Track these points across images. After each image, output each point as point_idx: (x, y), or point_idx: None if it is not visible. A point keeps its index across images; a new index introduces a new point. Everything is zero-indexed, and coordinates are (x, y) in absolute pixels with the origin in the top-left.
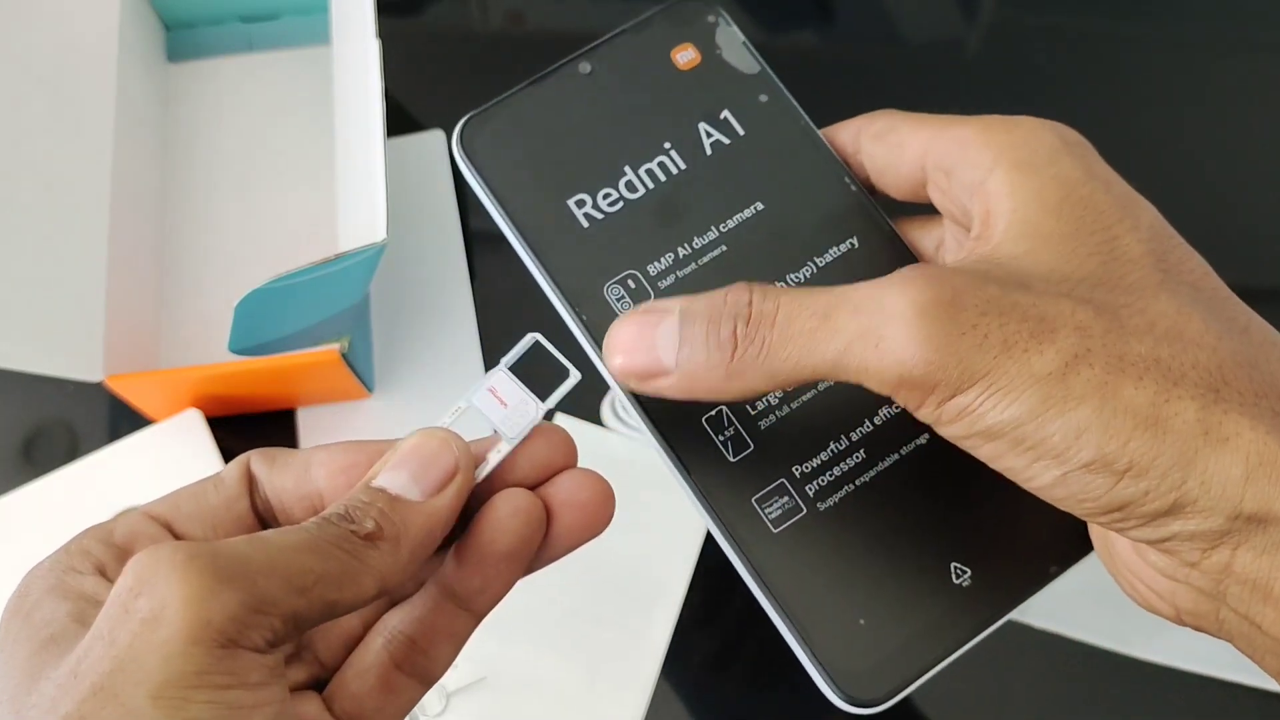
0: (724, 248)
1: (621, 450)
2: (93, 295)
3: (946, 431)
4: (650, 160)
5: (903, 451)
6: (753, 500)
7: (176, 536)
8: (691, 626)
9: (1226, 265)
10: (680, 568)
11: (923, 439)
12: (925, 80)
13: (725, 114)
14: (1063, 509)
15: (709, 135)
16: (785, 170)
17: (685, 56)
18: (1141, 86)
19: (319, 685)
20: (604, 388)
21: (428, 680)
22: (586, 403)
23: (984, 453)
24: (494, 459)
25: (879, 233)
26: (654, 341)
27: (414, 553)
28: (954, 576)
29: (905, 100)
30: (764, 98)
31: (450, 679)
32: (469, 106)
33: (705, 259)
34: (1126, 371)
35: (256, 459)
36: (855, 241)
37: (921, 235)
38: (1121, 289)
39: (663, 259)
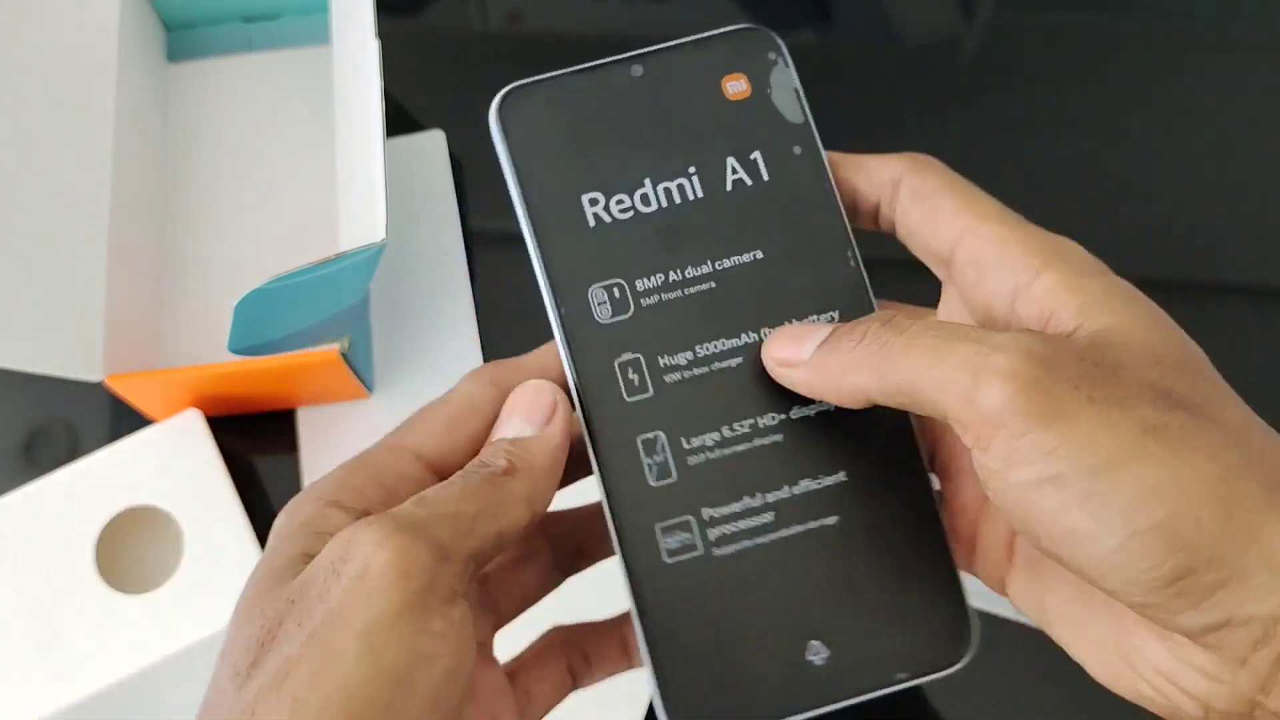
0: (712, 284)
1: None
2: (93, 295)
3: (1017, 476)
4: (671, 179)
5: (809, 526)
6: (657, 526)
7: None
8: None
9: (1225, 264)
10: None
11: (832, 519)
12: (923, 80)
13: (756, 155)
14: (1114, 585)
15: (734, 171)
16: (795, 227)
17: (735, 87)
18: (1139, 87)
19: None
20: None
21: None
22: None
23: (1050, 504)
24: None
25: (863, 313)
26: (804, 336)
27: (546, 476)
28: (810, 653)
29: (904, 100)
30: (798, 150)
31: None
32: (469, 106)
33: (692, 290)
34: (1200, 449)
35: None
36: (837, 316)
37: None
38: (1204, 378)
39: (653, 278)
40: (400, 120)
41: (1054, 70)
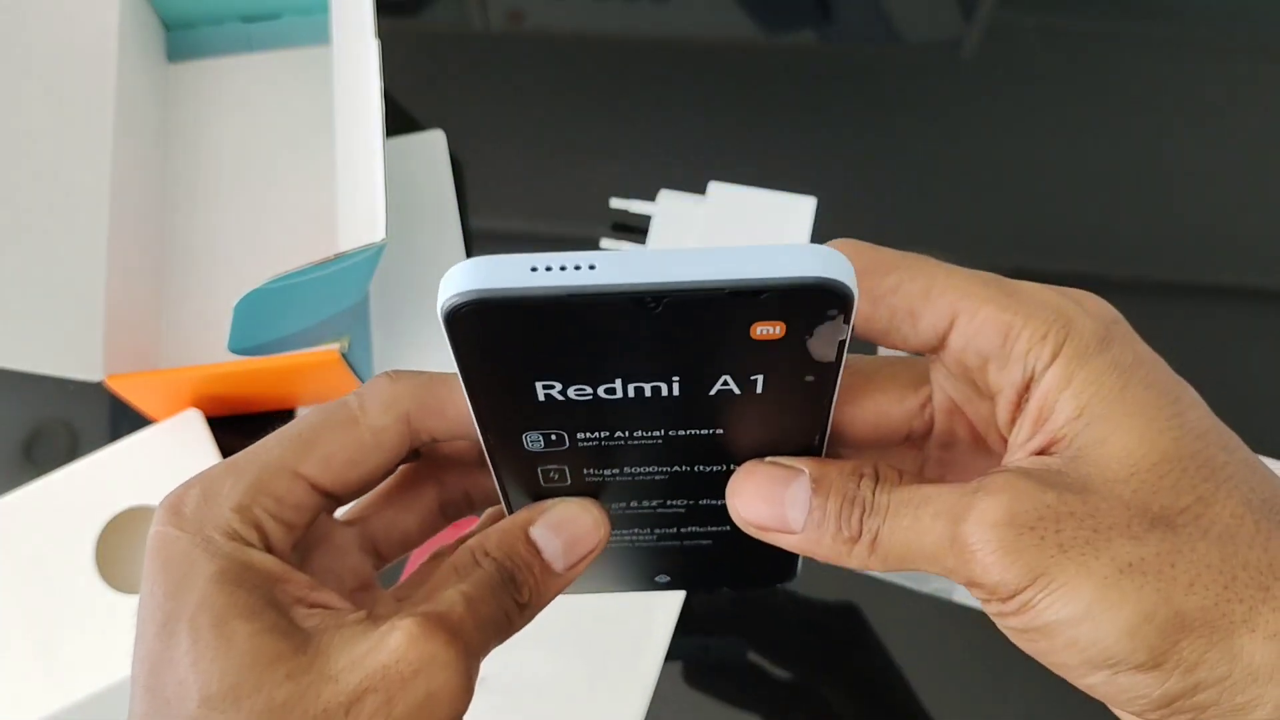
0: (659, 442)
1: None
2: (93, 295)
3: (1010, 624)
4: (648, 381)
5: (685, 543)
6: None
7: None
8: (691, 626)
9: (1225, 264)
10: None
11: (706, 542)
12: (923, 80)
13: (758, 378)
14: (1115, 706)
15: (724, 384)
16: (771, 426)
17: (767, 330)
18: (1138, 87)
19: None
20: None
21: None
22: None
23: (1040, 648)
24: None
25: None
26: (783, 499)
27: (544, 607)
28: (658, 578)
29: (904, 100)
30: (810, 379)
31: None
32: (469, 106)
33: (635, 444)
34: (1178, 579)
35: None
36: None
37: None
38: (1192, 470)
39: (597, 433)
40: (400, 120)
41: (1054, 71)
